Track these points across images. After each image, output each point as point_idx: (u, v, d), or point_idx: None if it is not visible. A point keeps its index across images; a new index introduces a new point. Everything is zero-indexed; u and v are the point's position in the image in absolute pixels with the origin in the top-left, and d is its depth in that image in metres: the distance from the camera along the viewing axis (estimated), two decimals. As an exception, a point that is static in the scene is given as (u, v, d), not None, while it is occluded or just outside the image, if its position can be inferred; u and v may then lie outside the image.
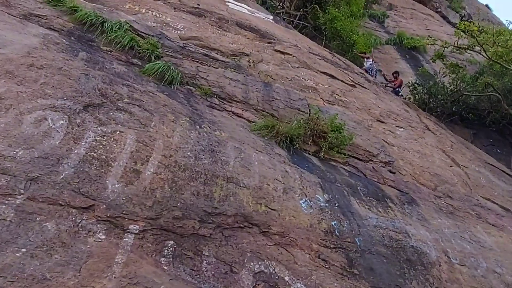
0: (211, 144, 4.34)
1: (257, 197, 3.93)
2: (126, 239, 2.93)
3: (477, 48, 12.19)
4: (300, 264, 3.43)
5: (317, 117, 6.33)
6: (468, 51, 13.63)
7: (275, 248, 3.50)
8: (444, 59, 14.62)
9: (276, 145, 5.45)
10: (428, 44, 13.89)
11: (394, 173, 6.66)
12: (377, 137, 7.56)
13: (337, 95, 8.69)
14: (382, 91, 10.46)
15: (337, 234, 4.01)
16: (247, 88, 6.66)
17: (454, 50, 14.59)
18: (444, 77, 13.56)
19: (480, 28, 11.78)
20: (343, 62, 11.11)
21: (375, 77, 13.69)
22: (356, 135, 6.85)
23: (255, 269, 3.19)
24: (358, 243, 4.03)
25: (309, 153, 5.91)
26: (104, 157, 3.44)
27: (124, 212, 3.09)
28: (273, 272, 3.24)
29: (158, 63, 5.87)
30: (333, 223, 4.12)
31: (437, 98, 13.07)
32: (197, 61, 6.83)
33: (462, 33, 11.78)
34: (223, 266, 3.09)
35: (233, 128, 5.20)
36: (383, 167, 6.56)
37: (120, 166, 3.44)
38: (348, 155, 6.35)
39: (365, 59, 14.06)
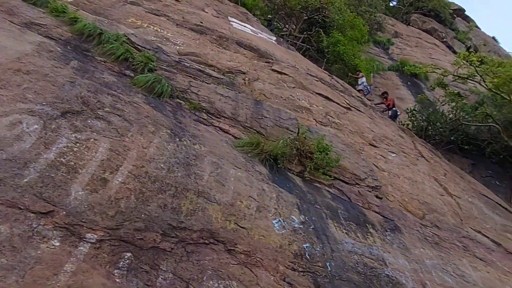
0: (187, 157, 4.29)
1: (227, 214, 3.84)
2: (81, 248, 2.86)
3: (478, 78, 12.15)
4: (262, 286, 3.30)
5: (304, 137, 6.27)
6: (470, 81, 13.60)
7: (239, 267, 3.38)
8: (446, 88, 14.60)
9: (258, 163, 5.38)
10: (428, 72, 13.88)
11: (381, 198, 6.53)
12: (367, 161, 7.46)
13: (331, 117, 8.65)
14: (378, 116, 10.40)
15: (308, 257, 3.88)
16: (237, 105, 6.65)
17: (456, 79, 14.58)
18: (443, 105, 13.49)
19: (480, 59, 11.75)
20: (341, 85, 11.12)
21: (370, 93, 13.66)
22: (344, 158, 6.77)
23: (214, 288, 3.08)
24: (329, 268, 3.89)
25: (293, 173, 5.82)
26: (72, 163, 3.40)
27: (83, 220, 3.02)
28: (232, 292, 3.12)
29: (149, 75, 5.91)
30: (305, 245, 4.00)
31: (435, 125, 12.97)
32: (190, 76, 6.87)
33: (461, 62, 11.76)
34: (179, 283, 2.99)
35: (215, 143, 5.16)
36: (370, 191, 6.43)
37: (87, 173, 3.40)
38: (334, 177, 6.25)
39: (358, 79, 13.99)
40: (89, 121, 4.03)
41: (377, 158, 7.99)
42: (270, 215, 4.18)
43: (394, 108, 13.25)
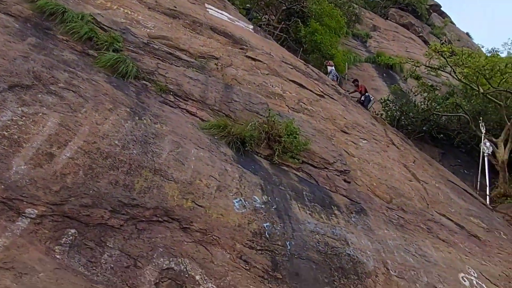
0: (146, 136, 4.11)
1: (185, 192, 3.70)
2: (19, 223, 2.67)
3: (448, 69, 12.33)
4: (217, 264, 3.19)
5: (273, 121, 6.16)
6: (444, 73, 13.81)
7: (193, 245, 3.26)
8: (419, 79, 14.80)
9: (224, 145, 5.24)
10: (401, 63, 14.02)
11: (349, 182, 6.51)
12: (337, 147, 7.44)
13: (304, 103, 8.58)
14: (351, 104, 10.41)
15: (267, 236, 3.79)
16: (206, 88, 6.48)
17: (430, 71, 14.78)
18: (416, 95, 13.66)
19: (451, 50, 11.92)
20: (316, 74, 11.07)
21: (340, 82, 13.56)
22: (314, 142, 6.71)
23: (164, 265, 2.94)
24: (289, 247, 3.81)
25: (261, 156, 5.71)
26: (16, 137, 3.18)
27: (23, 195, 2.83)
28: (184, 270, 3.00)
29: (113, 54, 5.66)
30: (265, 224, 3.91)
31: (408, 116, 13.14)
32: (158, 58, 6.64)
33: (432, 53, 11.90)
34: (126, 260, 2.84)
35: (179, 123, 4.99)
36: (338, 175, 6.40)
37: (32, 147, 3.18)
38: (302, 161, 6.18)
39: (328, 66, 13.81)
40: (39, 95, 3.79)
41: (348, 144, 7.98)
42: (231, 194, 4.07)
43: (367, 94, 13.22)
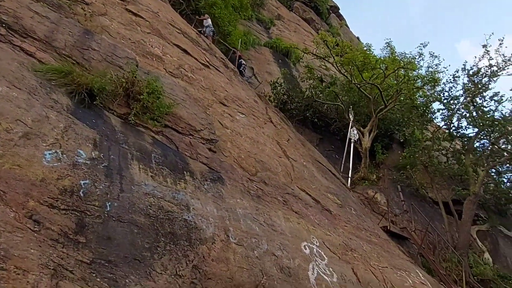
0: None
1: (-33, 134, 2.79)
2: None
3: (332, 60, 12.98)
4: (-11, 223, 2.43)
5: (135, 77, 5.41)
6: (333, 68, 14.53)
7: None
8: (308, 68, 15.38)
9: (63, 94, 4.34)
10: (291, 47, 14.35)
11: (214, 152, 6.16)
12: (211, 117, 7.04)
13: (185, 70, 7.95)
14: (237, 80, 10.13)
15: (82, 195, 3.13)
16: (57, 29, 5.36)
17: (322, 64, 15.42)
18: (302, 81, 14.13)
19: (335, 42, 12.53)
20: (207, 45, 10.49)
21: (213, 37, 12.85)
22: (182, 108, 6.17)
23: None
24: (108, 208, 3.22)
25: (113, 113, 4.94)
26: None
27: None
28: None
29: None
30: (82, 182, 3.23)
31: (294, 100, 13.52)
32: (-4, -18, 5.25)
33: (320, 41, 12.36)
34: None
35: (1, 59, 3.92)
36: (203, 143, 5.99)
37: None
38: (165, 124, 5.59)
39: (203, 20, 12.99)
40: None
41: (223, 116, 7.65)
42: (44, 145, 3.27)
43: (241, 60, 13.00)
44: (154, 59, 7.37)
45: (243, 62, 12.99)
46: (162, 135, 5.43)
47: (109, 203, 3.27)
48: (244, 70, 12.76)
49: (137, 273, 2.93)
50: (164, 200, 3.84)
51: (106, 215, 3.16)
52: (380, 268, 6.23)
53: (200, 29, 12.21)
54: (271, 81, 13.61)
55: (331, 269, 5.11)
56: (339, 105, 13.47)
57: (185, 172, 4.76)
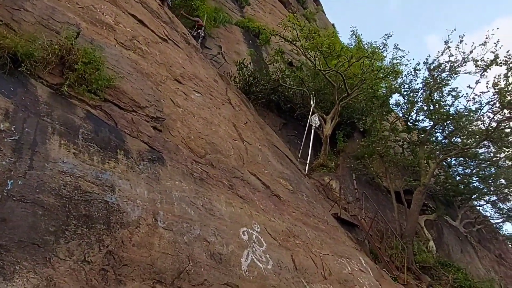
0: None
1: None
2: None
3: (299, 43, 12.73)
4: None
5: (71, 44, 4.95)
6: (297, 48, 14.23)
7: None
8: (279, 53, 15.07)
9: (-21, 56, 3.86)
10: (259, 28, 13.97)
11: (160, 130, 5.85)
12: (163, 93, 6.68)
13: (138, 42, 7.44)
14: (199, 57, 9.71)
15: (-25, 170, 2.78)
16: (-19, -17, 4.77)
17: (294, 49, 15.09)
18: (270, 64, 13.84)
19: (304, 25, 12.27)
20: (169, 18, 9.94)
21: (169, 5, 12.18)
22: (128, 82, 5.77)
23: None
24: (9, 187, 2.89)
25: (43, 83, 4.50)
26: None
27: None
28: None
29: None
30: (-21, 156, 2.87)
31: (260, 83, 13.24)
32: None
33: (288, 24, 12.06)
34: None
35: None
36: (147, 121, 5.66)
37: None
38: (105, 99, 5.20)
39: None
40: None
41: (177, 93, 7.29)
42: None
43: (199, 31, 12.46)
44: (104, 27, 6.83)
45: (202, 33, 12.32)
46: (100, 109, 5.04)
47: (11, 181, 2.94)
48: (201, 40, 12.05)
49: (33, 259, 2.66)
50: (83, 180, 3.53)
51: (5, 194, 2.83)
52: (321, 255, 6.26)
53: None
54: (237, 61, 13.22)
55: (268, 256, 5.03)
56: (304, 90, 13.34)
57: (118, 151, 4.44)
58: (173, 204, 4.40)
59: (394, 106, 13.56)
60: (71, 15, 5.96)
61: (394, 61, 13.12)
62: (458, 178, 14.75)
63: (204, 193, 5.21)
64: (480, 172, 14.05)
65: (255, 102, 13.27)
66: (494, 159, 14.14)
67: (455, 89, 11.57)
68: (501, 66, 10.21)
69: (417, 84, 12.56)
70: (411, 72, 12.22)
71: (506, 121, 10.04)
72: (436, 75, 11.60)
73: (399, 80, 12.73)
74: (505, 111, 10.00)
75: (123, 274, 3.18)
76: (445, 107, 11.48)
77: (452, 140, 11.77)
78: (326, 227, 7.93)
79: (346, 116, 14.35)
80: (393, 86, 12.55)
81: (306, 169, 11.52)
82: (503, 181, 14.61)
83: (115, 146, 4.47)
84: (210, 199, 5.17)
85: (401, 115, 13.31)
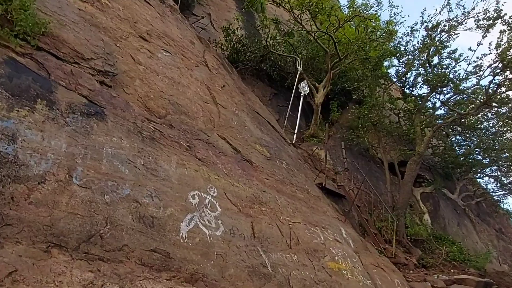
0: None
1: None
2: None
3: (287, 6, 11.71)
4: None
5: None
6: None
7: None
8: (279, 25, 14.05)
9: None
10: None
11: (109, 86, 5.17)
12: (121, 49, 5.98)
13: (97, -5, 6.69)
14: (174, 18, 8.86)
15: None
16: None
17: (291, 19, 13.99)
18: (260, 30, 12.88)
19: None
20: (143, -25, 9.05)
21: None
22: (70, 30, 5.05)
23: None
24: None
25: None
26: None
27: None
28: None
29: None
30: None
31: (248, 50, 12.35)
32: None
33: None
34: None
35: None
36: (93, 74, 4.97)
37: None
38: (39, 47, 4.51)
39: None
40: None
41: (140, 51, 6.55)
42: None
43: None
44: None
45: None
46: (30, 58, 4.35)
47: None
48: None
49: None
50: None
51: None
52: (291, 223, 5.62)
53: None
54: (223, 26, 12.27)
55: (219, 222, 4.40)
56: (295, 57, 12.40)
57: (38, 100, 3.78)
58: (101, 160, 3.76)
59: (390, 72, 12.53)
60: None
61: (391, 19, 11.91)
62: (458, 150, 13.81)
63: (150, 152, 4.55)
64: (482, 144, 13.06)
65: (244, 70, 12.43)
66: (496, 131, 13.14)
67: (455, 51, 10.52)
68: (503, 25, 9.13)
69: (414, 46, 11.40)
70: (407, 32, 11.13)
71: (508, 83, 9.01)
72: (434, 35, 10.52)
73: (395, 42, 11.64)
74: (507, 72, 8.98)
75: (2, 235, 2.57)
76: (445, 71, 10.44)
77: (451, 106, 10.79)
78: (305, 195, 7.26)
79: (341, 86, 13.42)
80: (387, 48, 11.43)
81: (294, 139, 10.78)
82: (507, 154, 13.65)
83: (35, 95, 3.80)
84: (156, 159, 4.52)
85: (396, 81, 12.29)
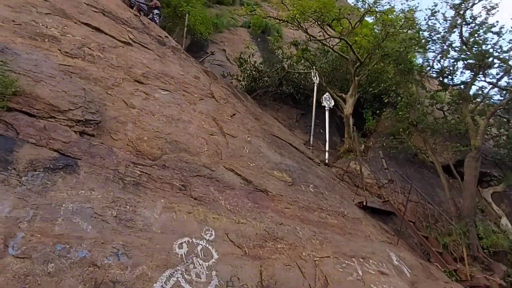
0: None
1: None
2: None
3: (296, 23, 11.01)
4: None
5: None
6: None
7: None
8: (298, 46, 13.48)
9: None
10: (267, 21, 12.49)
11: (91, 135, 4.70)
12: (112, 96, 5.64)
13: (90, 49, 6.55)
14: (176, 57, 8.54)
15: None
16: None
17: (310, 39, 13.31)
18: (274, 51, 12.24)
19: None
20: (143, 24, 9.01)
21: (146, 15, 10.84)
22: (44, 86, 4.76)
23: None
24: None
25: None
26: None
27: None
28: None
29: None
30: None
31: (265, 75, 11.71)
32: None
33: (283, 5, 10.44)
34: None
35: None
36: (70, 126, 4.55)
37: None
38: (9, 107, 4.21)
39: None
40: None
41: (134, 94, 6.17)
42: None
43: (154, 10, 10.81)
44: (46, 39, 6.06)
45: (156, 11, 10.70)
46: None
47: None
48: (154, 19, 10.45)
49: None
50: None
51: None
52: (316, 259, 4.47)
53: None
54: (235, 58, 11.87)
55: (213, 273, 3.47)
56: (312, 71, 11.45)
57: (-9, 163, 3.32)
58: (55, 220, 3.12)
59: (419, 63, 10.92)
60: (2, 33, 5.22)
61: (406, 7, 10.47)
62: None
63: (129, 200, 3.86)
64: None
65: (265, 96, 11.76)
66: None
67: (495, 25, 8.80)
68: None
69: (438, 29, 9.74)
70: (427, 16, 9.63)
71: None
72: (463, 11, 8.95)
73: (414, 30, 10.10)
74: None
75: None
76: (484, 48, 8.74)
77: (501, 86, 8.91)
78: (340, 220, 6.05)
79: (372, 92, 12.07)
80: (409, 36, 9.89)
81: (327, 158, 9.61)
82: None
83: (-14, 158, 3.35)
84: (135, 206, 3.81)
85: (431, 72, 10.63)
